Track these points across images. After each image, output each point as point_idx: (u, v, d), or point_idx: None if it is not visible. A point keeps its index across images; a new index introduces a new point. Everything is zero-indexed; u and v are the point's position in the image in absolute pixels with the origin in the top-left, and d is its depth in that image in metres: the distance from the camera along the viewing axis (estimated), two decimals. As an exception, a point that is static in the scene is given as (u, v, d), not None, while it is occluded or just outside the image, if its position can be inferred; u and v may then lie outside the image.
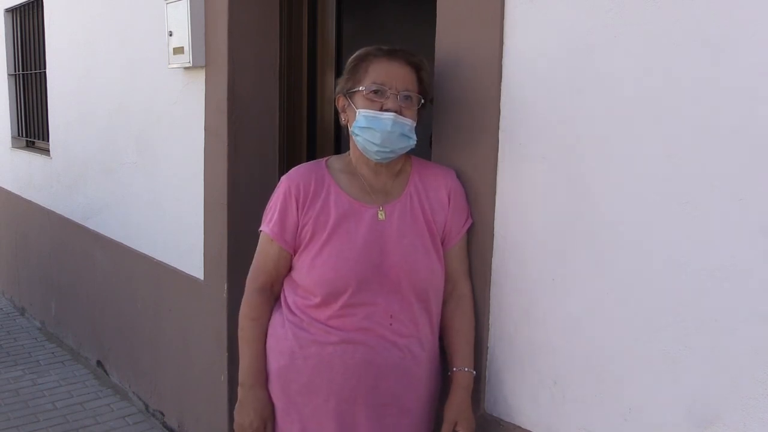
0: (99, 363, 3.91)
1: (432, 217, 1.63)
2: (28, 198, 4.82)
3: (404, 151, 1.61)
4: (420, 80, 1.59)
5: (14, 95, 5.16)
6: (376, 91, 1.54)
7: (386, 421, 1.60)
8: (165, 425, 3.27)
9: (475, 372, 1.65)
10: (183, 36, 2.68)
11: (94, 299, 3.89)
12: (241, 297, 1.72)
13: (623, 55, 1.38)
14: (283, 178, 1.68)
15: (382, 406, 1.59)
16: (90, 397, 3.66)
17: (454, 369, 1.64)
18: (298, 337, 1.61)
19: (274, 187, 1.70)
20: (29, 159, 4.81)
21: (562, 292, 1.53)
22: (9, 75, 5.13)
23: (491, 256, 1.67)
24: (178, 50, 2.72)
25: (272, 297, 1.70)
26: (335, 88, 1.69)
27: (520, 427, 1.63)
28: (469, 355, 1.65)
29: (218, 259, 2.70)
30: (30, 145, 5.02)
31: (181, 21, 2.67)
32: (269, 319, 1.69)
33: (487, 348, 1.70)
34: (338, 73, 2.43)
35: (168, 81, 2.96)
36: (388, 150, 1.56)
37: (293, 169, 1.70)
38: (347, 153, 1.71)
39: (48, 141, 4.41)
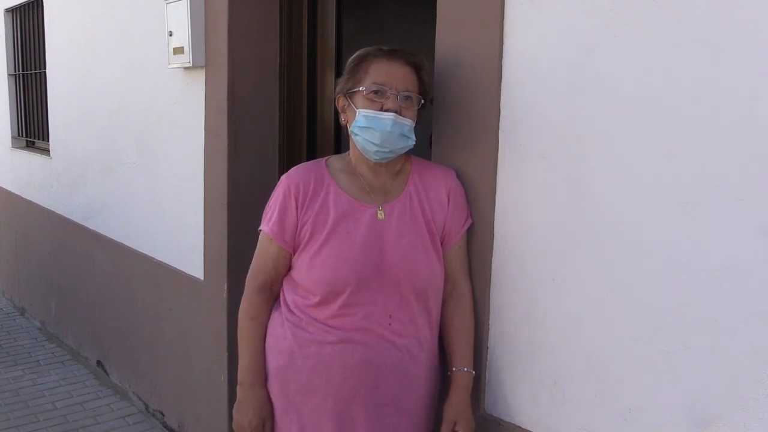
0: (99, 363, 3.91)
1: (431, 217, 1.63)
2: (28, 198, 4.82)
3: (403, 151, 1.61)
4: (420, 80, 1.59)
5: (14, 95, 5.16)
6: (376, 92, 1.54)
7: (385, 421, 1.60)
8: (165, 425, 3.27)
9: (474, 372, 1.65)
10: (183, 36, 2.68)
11: (94, 299, 3.89)
12: (241, 297, 1.73)
13: (623, 55, 1.38)
14: (283, 177, 1.68)
15: (381, 406, 1.59)
16: (90, 397, 3.66)
17: (454, 369, 1.64)
18: (297, 336, 1.61)
19: (274, 187, 1.70)
20: (29, 159, 4.81)
21: (562, 292, 1.53)
22: (9, 75, 5.13)
23: (491, 256, 1.67)
24: (178, 50, 2.72)
25: (272, 296, 1.70)
26: (335, 88, 1.69)
27: (520, 427, 1.63)
28: (469, 354, 1.65)
29: (218, 259, 2.70)
30: (30, 145, 5.02)
31: (181, 21, 2.67)
32: (269, 318, 1.69)
33: (487, 348, 1.70)
34: (338, 73, 2.43)
35: (168, 81, 2.96)
36: (387, 150, 1.56)
37: (293, 168, 1.70)
38: (347, 153, 1.71)
39: (48, 141, 4.41)
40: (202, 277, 2.85)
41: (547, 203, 1.54)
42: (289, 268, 1.67)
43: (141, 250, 3.35)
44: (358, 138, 1.58)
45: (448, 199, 1.65)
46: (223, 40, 2.55)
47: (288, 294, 1.66)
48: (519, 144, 1.59)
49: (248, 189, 2.64)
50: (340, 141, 2.80)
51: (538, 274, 1.57)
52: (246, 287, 1.71)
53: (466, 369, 1.64)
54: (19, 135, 5.15)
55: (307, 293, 1.61)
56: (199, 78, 2.73)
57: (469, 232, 1.69)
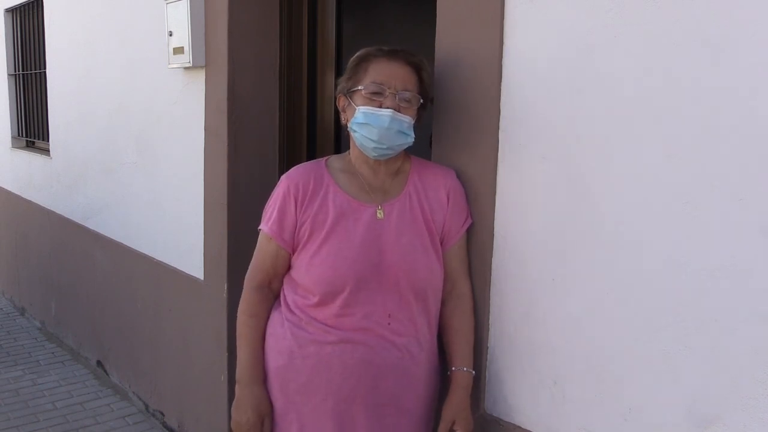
0: (99, 363, 3.91)
1: (431, 217, 1.63)
2: (28, 198, 4.82)
3: (402, 148, 1.61)
4: (420, 80, 1.59)
5: (14, 95, 5.16)
6: (375, 91, 1.55)
7: (385, 421, 1.60)
8: (165, 425, 3.27)
9: (474, 372, 1.65)
10: (183, 36, 2.68)
11: (94, 299, 3.89)
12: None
13: (623, 55, 1.38)
14: (283, 177, 1.68)
15: (381, 406, 1.59)
16: (90, 397, 3.66)
17: (453, 368, 1.64)
18: (297, 336, 1.61)
19: (274, 187, 1.70)
20: (29, 159, 4.81)
21: (562, 292, 1.53)
22: (9, 75, 5.13)
23: (491, 256, 1.67)
24: (178, 50, 2.72)
25: (270, 295, 1.70)
26: (336, 88, 1.69)
27: (520, 427, 1.63)
28: (469, 354, 1.65)
29: (218, 259, 2.70)
30: (30, 145, 5.02)
31: (181, 21, 2.67)
32: (267, 317, 1.69)
33: (487, 348, 1.70)
34: (338, 73, 2.43)
35: (168, 81, 2.96)
36: (385, 147, 1.56)
37: (293, 168, 1.70)
38: (347, 153, 1.71)
39: (48, 141, 4.41)
40: (202, 277, 2.85)
41: (547, 203, 1.54)
42: (289, 267, 1.67)
43: (141, 250, 3.35)
44: (356, 135, 1.58)
45: (448, 199, 1.65)
46: (223, 40, 2.55)
47: (288, 294, 1.66)
48: (519, 144, 1.59)
49: (248, 189, 2.64)
50: (340, 141, 2.80)
51: (538, 274, 1.57)
52: (245, 286, 1.71)
53: (465, 369, 1.64)
54: (19, 135, 5.15)
55: (306, 293, 1.61)
56: (199, 78, 2.73)
57: (469, 231, 1.69)
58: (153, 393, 3.36)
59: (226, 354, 2.70)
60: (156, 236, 3.22)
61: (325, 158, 1.73)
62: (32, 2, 4.62)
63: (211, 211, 2.73)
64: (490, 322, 1.69)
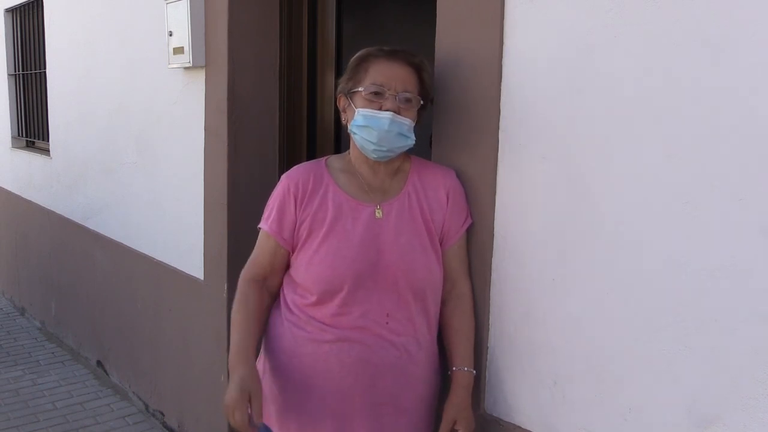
0: (99, 363, 3.91)
1: (430, 216, 1.63)
2: (28, 198, 4.82)
3: (402, 151, 1.61)
4: (421, 81, 1.59)
5: (14, 95, 5.16)
6: (375, 92, 1.55)
7: (383, 420, 1.60)
8: (165, 425, 3.27)
9: (474, 371, 1.65)
10: (183, 36, 2.68)
11: (94, 299, 3.89)
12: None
13: (623, 55, 1.38)
14: (283, 176, 1.68)
15: (379, 405, 1.59)
16: (90, 397, 3.67)
17: (454, 368, 1.64)
18: (296, 335, 1.61)
19: (275, 187, 1.70)
20: (29, 159, 4.81)
21: (562, 292, 1.53)
22: (9, 75, 5.13)
23: (491, 256, 1.67)
24: (178, 50, 2.72)
25: (264, 288, 1.69)
26: (336, 88, 1.69)
27: (520, 427, 1.63)
28: (469, 354, 1.65)
29: (218, 259, 2.70)
30: (30, 145, 5.02)
31: (181, 21, 2.67)
32: (260, 306, 1.66)
33: (487, 348, 1.70)
34: (338, 73, 2.43)
35: (168, 81, 2.96)
36: (385, 149, 1.57)
37: (293, 167, 1.71)
38: (347, 152, 1.71)
39: (48, 141, 4.41)
40: (202, 277, 2.85)
41: (547, 203, 1.54)
42: (287, 267, 1.67)
43: (141, 250, 3.35)
44: (356, 137, 1.59)
45: (447, 199, 1.65)
46: (223, 40, 2.55)
47: (288, 294, 1.67)
48: (519, 144, 1.59)
49: (248, 189, 2.64)
50: (340, 141, 2.80)
51: (538, 274, 1.57)
52: (239, 279, 1.69)
53: (466, 368, 1.64)
54: (19, 135, 5.15)
55: (305, 292, 1.61)
56: (199, 78, 2.73)
57: (469, 231, 1.69)
58: (153, 393, 3.36)
59: (226, 354, 2.68)
60: (156, 236, 3.22)
61: (325, 158, 1.73)
62: (32, 2, 4.62)
63: (211, 211, 2.73)
64: (490, 322, 1.69)
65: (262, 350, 1.73)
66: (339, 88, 1.65)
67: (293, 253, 1.64)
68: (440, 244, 1.65)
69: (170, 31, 2.76)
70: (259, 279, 1.68)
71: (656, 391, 1.36)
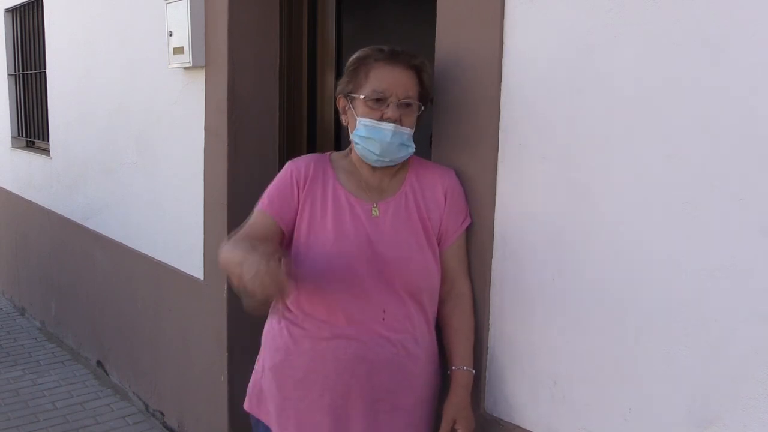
0: (99, 363, 3.91)
1: (427, 215, 1.64)
2: (28, 198, 4.82)
3: (403, 159, 1.61)
4: (421, 83, 1.59)
5: (14, 95, 5.16)
6: (377, 99, 1.54)
7: (381, 417, 1.60)
8: (165, 425, 3.27)
9: (474, 371, 1.65)
10: (183, 36, 2.68)
11: (94, 299, 3.89)
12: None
13: (623, 55, 1.38)
14: (289, 162, 1.69)
15: (376, 402, 1.59)
16: (90, 397, 3.66)
17: (453, 368, 1.64)
18: (293, 333, 1.62)
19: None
20: (29, 159, 4.81)
21: (562, 292, 1.53)
22: (9, 75, 5.13)
23: (491, 256, 1.67)
24: (178, 50, 2.72)
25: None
26: (335, 88, 1.69)
27: (520, 427, 1.63)
28: (469, 353, 1.65)
29: (218, 259, 2.70)
30: (30, 145, 5.02)
31: (181, 21, 2.67)
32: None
33: (487, 348, 1.70)
34: (338, 73, 2.43)
35: (168, 81, 2.96)
36: (387, 159, 1.58)
37: (299, 156, 1.72)
38: (349, 149, 1.71)
39: (48, 141, 4.41)
40: (202, 277, 2.85)
41: (547, 203, 1.54)
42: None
43: (141, 250, 3.35)
44: (358, 146, 1.59)
45: (445, 198, 1.65)
46: (223, 40, 2.55)
47: None
48: (519, 144, 1.59)
49: (248, 189, 2.64)
50: (340, 141, 2.80)
51: (538, 275, 1.57)
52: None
53: (465, 368, 1.64)
54: (19, 135, 5.15)
55: (299, 290, 1.61)
56: (199, 78, 2.73)
57: (469, 231, 1.69)
58: (153, 393, 3.36)
59: (226, 354, 2.70)
60: (156, 236, 3.22)
61: (329, 153, 1.74)
62: (32, 2, 4.62)
63: (211, 211, 2.73)
64: (490, 322, 1.69)
65: (260, 349, 1.73)
66: (338, 89, 1.64)
67: (286, 236, 1.62)
68: (438, 244, 1.65)
69: (170, 31, 2.76)
70: (246, 240, 1.53)
71: (656, 391, 1.36)
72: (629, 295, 1.40)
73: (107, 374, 3.83)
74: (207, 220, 2.77)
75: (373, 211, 1.61)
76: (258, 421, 1.72)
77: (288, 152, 2.84)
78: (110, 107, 3.55)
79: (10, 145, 5.15)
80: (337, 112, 1.70)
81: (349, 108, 1.60)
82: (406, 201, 1.64)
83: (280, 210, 1.62)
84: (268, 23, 2.63)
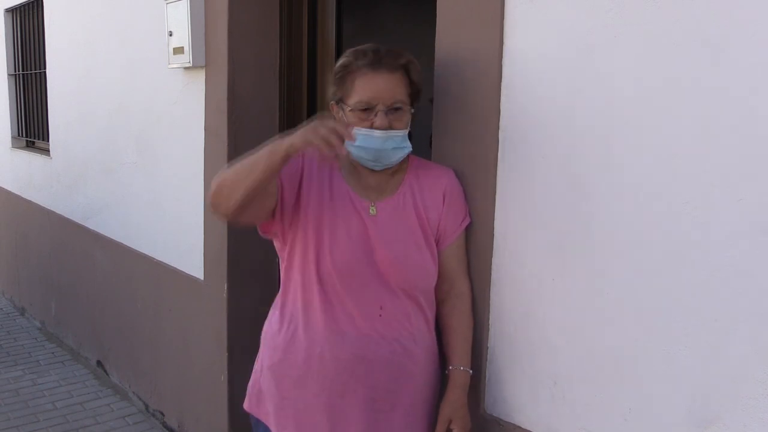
0: (99, 363, 3.91)
1: (426, 215, 1.63)
2: (28, 198, 4.82)
3: (400, 160, 1.61)
4: (410, 81, 1.57)
5: (14, 95, 5.16)
6: (364, 109, 1.53)
7: (380, 416, 1.60)
8: (165, 425, 3.27)
9: (471, 371, 1.65)
10: (183, 36, 2.68)
11: (94, 299, 3.89)
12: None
13: (623, 55, 1.38)
14: None
15: (376, 401, 1.59)
16: (90, 397, 3.66)
17: (450, 367, 1.64)
18: (291, 331, 1.62)
19: None
20: (29, 159, 4.81)
21: (562, 291, 1.53)
22: (9, 75, 5.13)
23: (491, 256, 1.67)
24: (178, 50, 2.72)
25: None
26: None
27: (519, 427, 1.63)
28: (466, 353, 1.65)
29: (218, 259, 2.70)
30: (30, 145, 5.02)
31: (181, 21, 2.67)
32: None
33: (487, 348, 1.70)
34: (338, 73, 2.42)
35: (168, 81, 2.96)
36: (383, 163, 1.58)
37: None
38: None
39: (48, 141, 4.41)
40: (202, 277, 2.85)
41: (547, 203, 1.54)
42: (283, 258, 1.65)
43: (141, 250, 3.35)
44: (352, 152, 1.58)
45: (444, 198, 1.65)
46: (223, 40, 2.55)
47: (282, 292, 1.67)
48: (519, 144, 1.59)
49: (248, 189, 2.64)
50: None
51: (538, 274, 1.57)
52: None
53: (462, 367, 1.64)
54: (19, 135, 5.15)
55: (297, 287, 1.61)
56: (199, 78, 2.73)
57: (469, 231, 1.69)
58: (153, 393, 3.36)
59: (226, 354, 2.70)
60: (156, 236, 3.22)
61: None
62: (32, 2, 4.62)
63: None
64: (490, 322, 1.69)
65: (260, 348, 1.73)
66: (329, 96, 1.63)
67: (284, 201, 1.58)
68: (438, 244, 1.65)
69: (170, 31, 2.76)
70: None
71: (656, 391, 1.36)
72: (629, 295, 1.40)
73: (107, 374, 3.83)
74: (207, 220, 2.77)
75: (370, 210, 1.61)
76: (258, 421, 1.72)
77: (288, 152, 2.83)
78: (110, 107, 3.55)
79: (10, 145, 5.15)
80: (337, 112, 1.70)
81: (342, 115, 1.60)
82: (404, 201, 1.64)
83: (282, 175, 1.58)
84: (268, 23, 2.63)
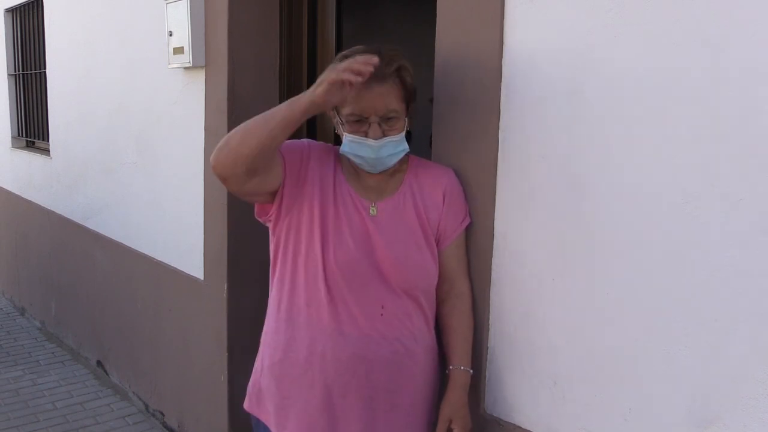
0: (99, 363, 3.91)
1: (426, 215, 1.64)
2: (28, 198, 4.82)
3: (398, 161, 1.61)
4: (403, 86, 1.55)
5: (14, 95, 5.16)
6: (357, 121, 1.54)
7: (380, 415, 1.60)
8: (165, 425, 3.27)
9: (472, 370, 1.65)
10: (183, 36, 2.68)
11: (94, 299, 3.89)
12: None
13: (623, 55, 1.38)
14: (305, 139, 1.69)
15: (376, 400, 1.59)
16: (90, 397, 3.67)
17: (451, 367, 1.64)
18: (291, 330, 1.62)
19: None
20: (29, 159, 4.81)
21: (562, 292, 1.53)
22: (9, 75, 5.13)
23: (491, 256, 1.67)
24: (178, 50, 2.72)
25: None
26: None
27: (520, 427, 1.63)
28: (467, 353, 1.65)
29: (218, 259, 2.70)
30: (30, 145, 5.03)
31: (181, 21, 2.67)
32: None
33: (487, 348, 1.70)
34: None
35: (168, 81, 2.96)
36: (379, 168, 1.58)
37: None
38: None
39: (48, 141, 4.41)
40: (202, 277, 2.85)
41: (547, 203, 1.54)
42: (278, 252, 1.64)
43: (141, 250, 3.35)
44: (349, 157, 1.58)
45: (444, 198, 1.65)
46: (223, 40, 2.55)
47: (282, 290, 1.66)
48: (519, 144, 1.59)
49: (248, 189, 2.64)
50: (340, 141, 2.79)
51: (538, 274, 1.57)
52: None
53: (462, 367, 1.64)
54: (19, 135, 5.15)
55: (297, 286, 1.61)
56: (199, 78, 2.73)
57: (469, 231, 1.69)
58: (153, 393, 3.36)
59: (226, 354, 2.70)
60: (156, 236, 3.22)
61: (339, 146, 1.72)
62: (32, 2, 4.62)
63: (211, 211, 2.73)
64: (490, 322, 1.69)
65: (260, 348, 1.73)
66: None
67: (285, 183, 1.59)
68: (437, 243, 1.65)
69: (170, 31, 2.76)
70: None
71: (656, 391, 1.36)
72: (629, 295, 1.40)
73: (107, 374, 3.83)
74: (207, 220, 2.77)
75: (371, 210, 1.61)
76: (258, 420, 1.72)
77: (288, 152, 2.83)
78: (110, 107, 3.55)
79: (10, 145, 5.15)
80: (337, 112, 1.70)
81: (338, 122, 1.60)
82: (404, 201, 1.64)
83: (290, 154, 1.59)
84: (268, 23, 2.63)
